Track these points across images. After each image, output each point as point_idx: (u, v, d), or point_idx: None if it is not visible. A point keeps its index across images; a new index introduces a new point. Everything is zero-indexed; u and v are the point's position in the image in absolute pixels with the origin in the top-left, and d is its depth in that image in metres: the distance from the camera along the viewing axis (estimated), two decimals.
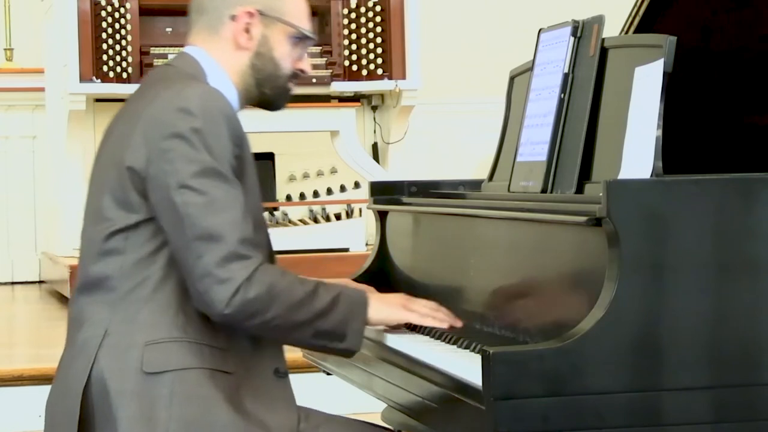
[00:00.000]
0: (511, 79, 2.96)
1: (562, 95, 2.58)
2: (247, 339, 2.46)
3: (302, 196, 7.19)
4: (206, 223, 2.34)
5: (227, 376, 2.41)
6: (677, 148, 2.47)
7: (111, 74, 6.58)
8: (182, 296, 2.40)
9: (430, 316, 2.56)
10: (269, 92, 2.59)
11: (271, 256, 2.52)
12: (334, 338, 2.45)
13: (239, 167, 2.42)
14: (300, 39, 2.59)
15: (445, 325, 2.56)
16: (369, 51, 6.85)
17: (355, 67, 6.82)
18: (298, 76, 2.62)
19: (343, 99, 6.91)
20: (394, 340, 2.56)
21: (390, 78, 6.82)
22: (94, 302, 2.43)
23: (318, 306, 2.42)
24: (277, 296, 2.37)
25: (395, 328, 2.62)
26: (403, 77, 6.84)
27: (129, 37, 6.63)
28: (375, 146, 7.15)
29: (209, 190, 2.35)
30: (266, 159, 7.00)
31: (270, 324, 2.38)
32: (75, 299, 2.48)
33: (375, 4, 6.84)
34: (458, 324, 2.57)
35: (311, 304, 2.41)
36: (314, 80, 6.65)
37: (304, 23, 2.60)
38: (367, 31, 6.83)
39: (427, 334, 2.55)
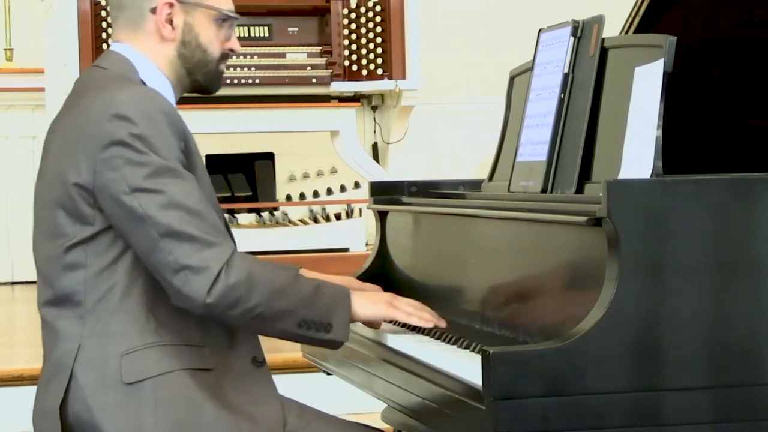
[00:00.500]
0: (511, 79, 2.96)
1: (562, 95, 2.58)
2: (223, 333, 2.44)
3: (302, 196, 7.19)
4: (169, 220, 2.32)
5: (207, 374, 2.41)
6: (677, 148, 2.47)
7: None
8: (150, 300, 2.39)
9: (415, 315, 2.55)
10: (201, 78, 2.57)
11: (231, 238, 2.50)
12: (320, 328, 2.42)
13: (188, 160, 2.41)
14: (224, 20, 2.57)
15: (429, 325, 2.55)
16: (369, 51, 6.84)
17: (355, 67, 6.81)
18: (228, 56, 2.61)
19: (343, 99, 6.90)
20: (394, 340, 2.56)
21: (390, 78, 6.81)
22: (64, 317, 2.41)
23: (300, 294, 2.40)
24: (257, 282, 2.34)
25: (377, 326, 2.61)
26: (403, 77, 6.83)
27: None
28: (375, 146, 7.15)
29: (164, 187, 2.33)
30: (266, 159, 7.00)
31: (253, 312, 2.35)
32: (44, 314, 2.46)
33: (375, 4, 6.84)
34: (442, 324, 2.57)
35: (293, 291, 2.39)
36: (314, 80, 6.65)
37: (225, 3, 2.58)
38: (367, 31, 6.83)
39: (427, 334, 2.55)
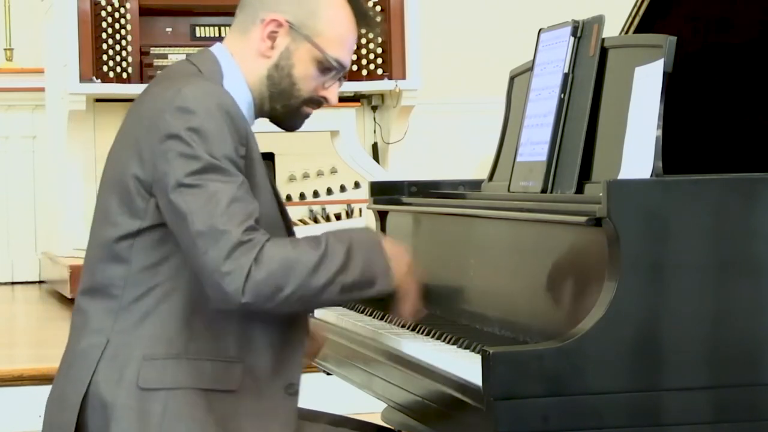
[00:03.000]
0: (511, 79, 2.96)
1: (562, 95, 2.58)
2: (269, 353, 2.39)
3: (302, 196, 7.19)
4: (207, 218, 2.27)
5: (226, 395, 2.36)
6: (677, 148, 2.47)
7: (111, 74, 6.58)
8: (189, 309, 2.35)
9: (411, 316, 2.51)
10: (280, 109, 2.48)
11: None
12: (364, 286, 2.37)
13: (248, 166, 2.36)
14: (327, 66, 2.47)
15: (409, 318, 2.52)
16: (369, 51, 6.84)
17: (355, 67, 6.81)
18: (318, 102, 2.50)
19: (343, 99, 6.90)
20: (394, 340, 2.56)
21: (390, 78, 6.82)
22: (97, 308, 2.39)
23: (335, 263, 2.33)
24: (291, 268, 2.29)
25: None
26: (403, 77, 6.83)
27: (129, 37, 6.63)
28: (375, 146, 7.15)
29: (206, 184, 2.28)
30: (266, 159, 6.96)
31: (294, 297, 2.29)
32: (79, 300, 2.44)
33: (375, 4, 6.84)
34: (422, 313, 2.53)
35: (327, 263, 2.32)
36: None
37: (336, 50, 2.47)
38: (367, 32, 6.83)
39: (427, 334, 2.55)
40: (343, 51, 2.48)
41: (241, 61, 2.46)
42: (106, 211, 2.39)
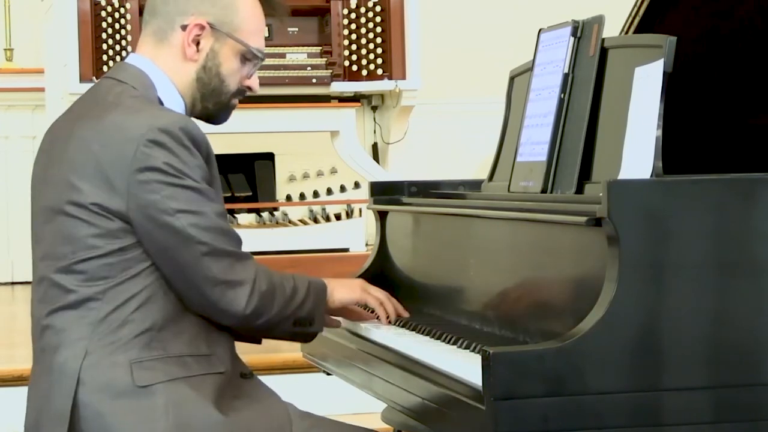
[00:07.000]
0: (511, 79, 2.96)
1: (562, 95, 2.58)
2: (225, 347, 2.50)
3: (302, 196, 7.19)
4: (209, 239, 2.40)
5: (218, 377, 2.45)
6: (677, 148, 2.47)
7: None
8: (164, 316, 2.42)
9: (381, 305, 2.71)
10: (212, 107, 2.58)
11: None
12: (306, 323, 2.55)
13: (210, 177, 2.46)
14: (250, 57, 2.57)
15: (388, 316, 2.71)
16: (369, 51, 6.84)
17: (355, 67, 6.81)
18: (243, 93, 2.61)
19: (343, 99, 6.90)
20: (394, 341, 2.56)
21: (390, 78, 6.81)
22: (71, 323, 2.41)
23: (299, 298, 2.52)
24: (277, 290, 2.48)
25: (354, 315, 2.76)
26: (403, 77, 6.83)
27: (129, 37, 6.63)
28: (375, 146, 7.15)
29: (201, 208, 2.40)
30: (266, 159, 7.00)
31: (272, 320, 2.48)
32: (51, 320, 2.44)
33: (375, 4, 6.84)
34: (405, 315, 2.74)
35: (295, 296, 2.52)
36: (314, 80, 6.65)
37: (256, 41, 2.57)
38: (367, 31, 6.83)
39: (427, 334, 2.55)
40: (261, 40, 2.60)
41: (166, 69, 2.53)
42: (69, 234, 2.41)
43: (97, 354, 2.38)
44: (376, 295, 2.73)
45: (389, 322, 2.73)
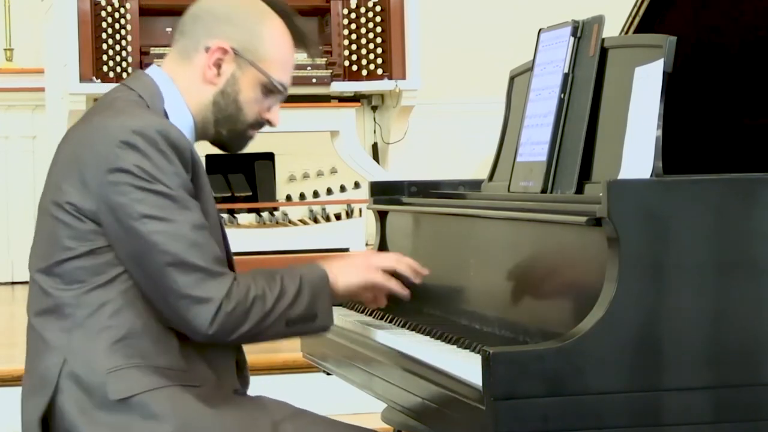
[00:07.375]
0: (511, 79, 2.96)
1: (562, 95, 2.58)
2: (204, 363, 2.44)
3: (302, 196, 7.18)
4: (176, 250, 2.32)
5: (197, 389, 2.39)
6: (677, 148, 2.47)
7: (111, 74, 6.57)
8: (140, 325, 2.37)
9: (395, 267, 2.56)
10: (225, 134, 2.53)
11: (230, 261, 2.50)
12: (307, 320, 2.44)
13: (195, 186, 2.40)
14: (271, 89, 2.51)
15: (409, 274, 2.56)
16: (369, 51, 6.84)
17: (355, 67, 6.81)
18: (262, 125, 2.55)
19: (343, 99, 6.90)
20: (394, 341, 2.56)
21: (390, 78, 6.81)
22: (51, 328, 2.40)
23: (287, 298, 2.41)
24: (254, 305, 2.37)
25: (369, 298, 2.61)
26: (403, 77, 6.83)
27: (129, 37, 6.62)
28: (375, 146, 7.15)
29: (171, 216, 2.33)
30: (266, 159, 7.00)
31: (248, 334, 2.38)
32: (33, 321, 2.45)
33: (375, 4, 6.83)
34: (425, 272, 2.59)
35: (282, 299, 2.40)
36: (314, 80, 6.65)
37: (280, 74, 2.51)
38: (367, 31, 6.83)
39: (427, 334, 2.55)
40: (286, 74, 2.53)
41: (182, 87, 2.49)
42: (49, 235, 2.41)
43: (75, 363, 2.36)
44: (384, 264, 2.56)
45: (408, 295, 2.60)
